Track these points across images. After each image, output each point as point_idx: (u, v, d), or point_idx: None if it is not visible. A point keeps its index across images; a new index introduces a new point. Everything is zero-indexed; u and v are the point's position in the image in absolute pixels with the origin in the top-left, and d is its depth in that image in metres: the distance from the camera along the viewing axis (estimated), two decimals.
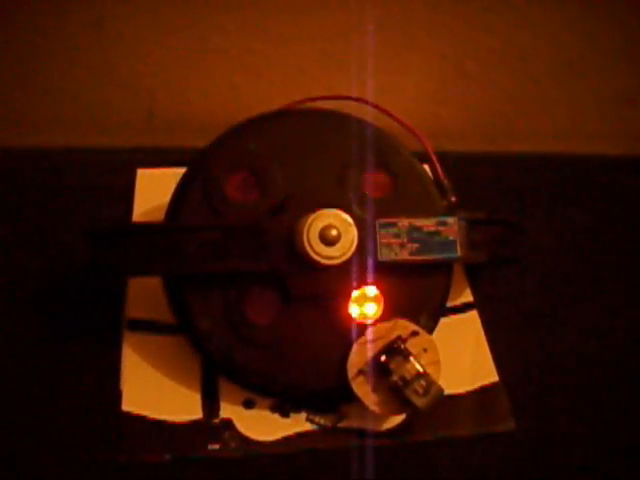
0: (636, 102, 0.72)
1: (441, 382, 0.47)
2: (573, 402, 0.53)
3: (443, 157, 0.55)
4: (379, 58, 0.66)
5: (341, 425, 0.50)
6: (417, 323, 0.49)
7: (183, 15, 0.63)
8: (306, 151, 0.51)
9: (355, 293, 0.49)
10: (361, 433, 0.50)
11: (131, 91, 0.68)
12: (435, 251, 0.49)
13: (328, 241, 0.46)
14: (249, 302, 0.48)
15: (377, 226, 0.49)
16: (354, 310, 0.49)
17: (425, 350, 0.48)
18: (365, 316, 0.49)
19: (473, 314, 0.57)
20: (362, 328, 0.48)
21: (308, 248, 0.46)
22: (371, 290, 0.49)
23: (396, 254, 0.49)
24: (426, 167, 0.54)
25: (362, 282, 0.48)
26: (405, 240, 0.49)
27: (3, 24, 0.63)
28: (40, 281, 0.56)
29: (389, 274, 0.49)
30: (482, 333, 0.56)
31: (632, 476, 0.50)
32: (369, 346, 0.48)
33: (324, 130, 0.51)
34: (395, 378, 0.46)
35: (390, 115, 0.54)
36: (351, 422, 0.50)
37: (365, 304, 0.49)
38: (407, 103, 0.66)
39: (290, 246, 0.47)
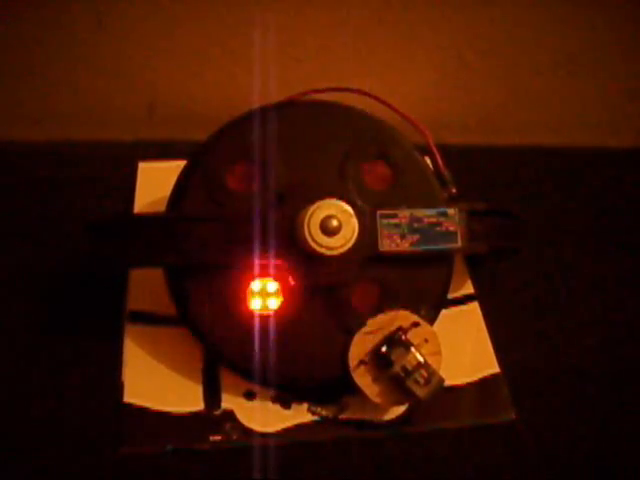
0: (637, 94, 0.72)
1: (442, 373, 0.47)
2: (573, 393, 0.53)
3: (444, 149, 0.55)
4: (380, 50, 0.67)
5: (342, 416, 0.50)
6: (418, 314, 0.49)
7: (183, 8, 0.63)
8: (307, 142, 0.51)
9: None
10: (362, 424, 0.50)
11: (132, 84, 0.68)
12: (436, 242, 0.49)
13: (329, 231, 0.46)
14: (250, 293, 0.48)
15: (378, 217, 0.49)
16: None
17: (426, 341, 0.48)
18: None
19: (474, 306, 0.57)
20: (363, 319, 0.48)
21: (309, 238, 0.46)
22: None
23: (397, 245, 0.49)
24: (427, 159, 0.54)
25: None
26: (406, 231, 0.49)
27: (4, 18, 0.63)
28: (42, 273, 0.57)
29: (390, 265, 0.49)
30: (483, 324, 0.56)
31: (632, 466, 0.50)
32: (370, 337, 0.48)
33: (325, 122, 0.51)
34: (396, 369, 0.47)
35: (391, 107, 0.54)
36: (352, 413, 0.50)
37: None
38: (408, 95, 0.66)
39: (291, 237, 0.47)
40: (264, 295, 0.48)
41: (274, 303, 0.49)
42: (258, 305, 0.48)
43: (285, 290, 0.48)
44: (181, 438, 0.48)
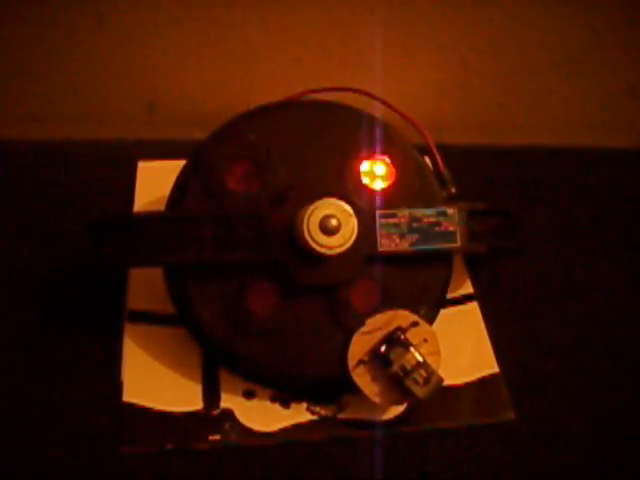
0: (637, 94, 0.72)
1: (441, 373, 0.47)
2: (572, 393, 0.53)
3: (443, 149, 0.55)
4: (379, 50, 0.66)
5: (342, 416, 0.50)
6: (417, 314, 0.49)
7: (183, 8, 0.63)
8: (307, 142, 0.51)
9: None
10: (362, 423, 0.50)
11: (132, 84, 0.68)
12: (435, 242, 0.49)
13: (328, 231, 0.46)
14: (250, 292, 0.48)
15: (377, 217, 0.49)
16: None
17: (425, 341, 0.48)
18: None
19: (474, 305, 0.57)
20: (362, 318, 0.48)
21: (308, 238, 0.46)
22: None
23: (396, 245, 0.49)
24: (426, 159, 0.54)
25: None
26: (405, 231, 0.49)
27: (4, 18, 0.63)
28: (42, 273, 0.57)
29: (389, 264, 0.49)
30: (482, 324, 0.56)
31: (631, 465, 0.50)
32: (369, 337, 0.48)
33: (325, 121, 0.52)
34: (395, 368, 0.47)
35: (390, 107, 0.54)
36: (352, 413, 0.50)
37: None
38: (407, 95, 0.66)
39: (290, 236, 0.47)
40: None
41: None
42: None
43: (284, 290, 0.48)
44: (180, 438, 0.48)
